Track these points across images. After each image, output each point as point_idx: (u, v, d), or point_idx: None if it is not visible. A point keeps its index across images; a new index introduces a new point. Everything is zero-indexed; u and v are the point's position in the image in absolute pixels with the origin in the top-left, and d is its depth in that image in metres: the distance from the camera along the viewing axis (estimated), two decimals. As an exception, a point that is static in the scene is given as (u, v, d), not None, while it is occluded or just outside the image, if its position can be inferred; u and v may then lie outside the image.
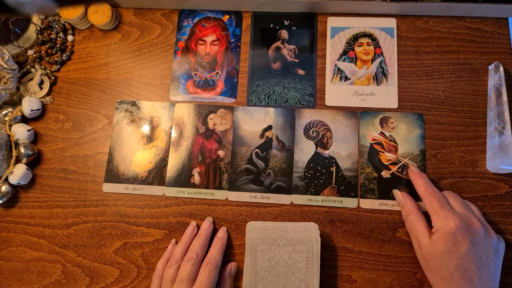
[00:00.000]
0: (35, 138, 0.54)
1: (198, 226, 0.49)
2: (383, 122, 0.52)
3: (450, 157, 0.50)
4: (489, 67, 0.52)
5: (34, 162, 0.53)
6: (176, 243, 0.49)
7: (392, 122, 0.51)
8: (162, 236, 0.50)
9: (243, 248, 0.48)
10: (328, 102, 0.53)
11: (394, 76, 0.53)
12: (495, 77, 0.51)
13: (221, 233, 0.48)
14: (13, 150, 0.51)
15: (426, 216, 0.44)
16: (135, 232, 0.50)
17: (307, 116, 0.52)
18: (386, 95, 0.53)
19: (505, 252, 0.43)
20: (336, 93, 0.53)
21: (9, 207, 0.52)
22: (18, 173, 0.50)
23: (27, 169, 0.51)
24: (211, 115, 0.53)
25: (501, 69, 0.51)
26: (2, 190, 0.50)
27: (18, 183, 0.50)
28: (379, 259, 0.47)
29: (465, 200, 0.46)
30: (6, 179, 0.50)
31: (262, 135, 0.52)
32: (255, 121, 0.53)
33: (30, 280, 0.49)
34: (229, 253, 0.48)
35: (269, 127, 0.52)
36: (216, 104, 0.54)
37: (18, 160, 0.51)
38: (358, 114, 0.52)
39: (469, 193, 0.49)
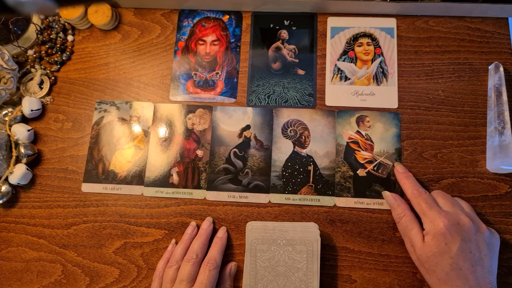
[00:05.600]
0: (35, 138, 0.54)
1: (198, 226, 0.49)
2: (360, 121, 0.52)
3: (450, 157, 0.50)
4: (489, 67, 0.52)
5: (34, 162, 0.53)
6: (176, 243, 0.49)
7: (368, 121, 0.51)
8: (162, 236, 0.50)
9: (243, 248, 0.48)
10: (328, 102, 0.53)
11: (394, 76, 0.53)
12: (495, 77, 0.51)
13: (221, 233, 0.48)
14: (13, 150, 0.51)
15: (417, 217, 0.44)
16: (135, 232, 0.50)
17: (285, 115, 0.53)
18: (386, 95, 0.53)
19: (504, 252, 0.43)
20: (336, 93, 0.53)
21: (9, 207, 0.52)
22: (18, 173, 0.50)
23: (27, 169, 0.51)
24: (190, 115, 0.53)
25: (501, 69, 0.51)
26: (2, 190, 0.50)
27: (18, 183, 0.50)
28: (379, 259, 0.47)
29: (454, 197, 0.46)
30: (6, 179, 0.50)
31: (240, 135, 0.52)
32: (233, 121, 0.53)
33: (30, 280, 0.49)
34: (229, 253, 0.48)
35: (248, 127, 0.52)
36: (216, 104, 0.54)
37: (18, 160, 0.51)
38: (335, 112, 0.52)
39: (469, 193, 0.49)
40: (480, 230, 0.42)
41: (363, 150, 0.51)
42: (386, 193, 0.48)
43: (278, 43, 0.56)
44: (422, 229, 0.43)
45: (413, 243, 0.43)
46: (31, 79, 0.56)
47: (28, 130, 0.52)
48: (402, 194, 0.48)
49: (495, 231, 0.43)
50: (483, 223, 0.43)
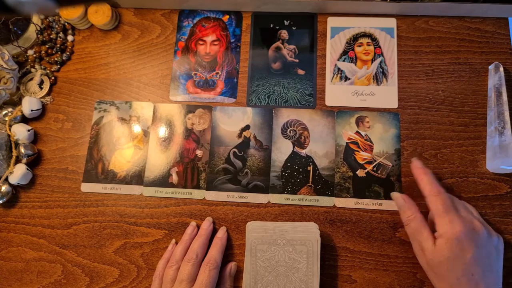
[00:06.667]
0: (35, 138, 0.54)
1: (198, 226, 0.49)
2: (359, 121, 0.52)
3: (450, 157, 0.50)
4: (489, 67, 0.52)
5: (34, 162, 0.53)
6: (176, 243, 0.49)
7: (368, 122, 0.51)
8: (162, 236, 0.50)
9: (243, 248, 0.48)
10: (328, 102, 0.53)
11: (394, 76, 0.53)
12: (495, 77, 0.51)
13: (221, 233, 0.48)
14: (13, 150, 0.51)
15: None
16: (135, 232, 0.50)
17: (284, 115, 0.53)
18: (386, 95, 0.53)
19: (504, 252, 0.43)
20: (336, 93, 0.53)
21: (9, 207, 0.52)
22: (18, 173, 0.50)
23: (27, 169, 0.51)
24: (190, 115, 0.53)
25: (501, 69, 0.51)
26: (2, 190, 0.50)
27: (18, 183, 0.50)
28: (379, 259, 0.47)
29: (462, 201, 0.45)
30: (6, 179, 0.50)
31: (240, 135, 0.52)
32: (233, 121, 0.53)
33: (30, 280, 0.49)
34: (229, 253, 0.48)
35: (247, 127, 0.52)
36: (216, 104, 0.54)
37: (18, 160, 0.51)
38: (335, 113, 0.52)
39: (469, 193, 0.49)
40: (491, 235, 0.42)
41: (362, 150, 0.51)
42: (395, 194, 0.46)
43: (278, 43, 0.56)
44: (432, 231, 0.42)
45: (423, 247, 0.41)
46: (31, 79, 0.56)
47: (28, 130, 0.52)
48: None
49: (499, 235, 0.43)
50: (491, 228, 0.43)
